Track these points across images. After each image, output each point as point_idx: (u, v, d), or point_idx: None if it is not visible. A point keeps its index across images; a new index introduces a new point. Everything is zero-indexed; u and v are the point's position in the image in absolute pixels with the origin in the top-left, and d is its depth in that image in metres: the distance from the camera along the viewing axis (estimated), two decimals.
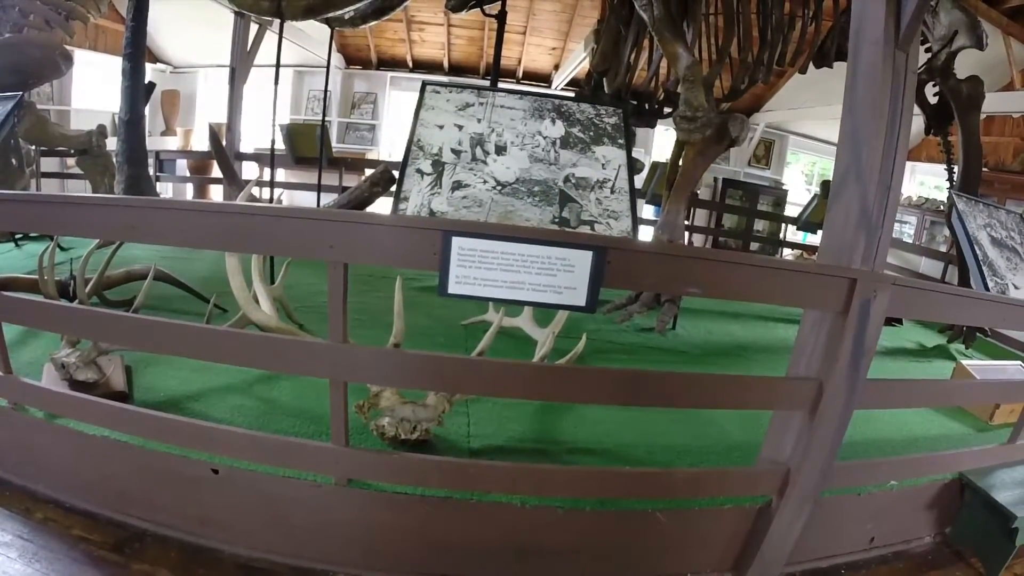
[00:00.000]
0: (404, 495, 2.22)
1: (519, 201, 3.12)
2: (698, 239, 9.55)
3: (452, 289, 1.94)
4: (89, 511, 2.39)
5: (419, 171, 3.13)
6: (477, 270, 1.92)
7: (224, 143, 7.18)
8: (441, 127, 3.29)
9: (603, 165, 3.33)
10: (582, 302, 1.97)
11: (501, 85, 4.85)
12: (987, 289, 3.31)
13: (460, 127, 3.32)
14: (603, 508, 2.32)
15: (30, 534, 2.25)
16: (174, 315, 3.63)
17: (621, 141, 3.42)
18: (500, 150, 3.24)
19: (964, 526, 2.88)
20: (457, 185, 3.12)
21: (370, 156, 11.75)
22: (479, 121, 3.34)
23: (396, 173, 3.46)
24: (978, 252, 3.47)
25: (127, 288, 3.66)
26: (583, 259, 1.92)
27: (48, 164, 7.40)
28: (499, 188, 3.15)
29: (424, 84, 3.43)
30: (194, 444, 2.27)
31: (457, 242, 1.89)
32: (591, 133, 3.41)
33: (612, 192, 3.27)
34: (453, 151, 3.21)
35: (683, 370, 3.81)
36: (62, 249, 4.78)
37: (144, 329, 2.24)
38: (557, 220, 3.13)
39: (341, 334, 2.02)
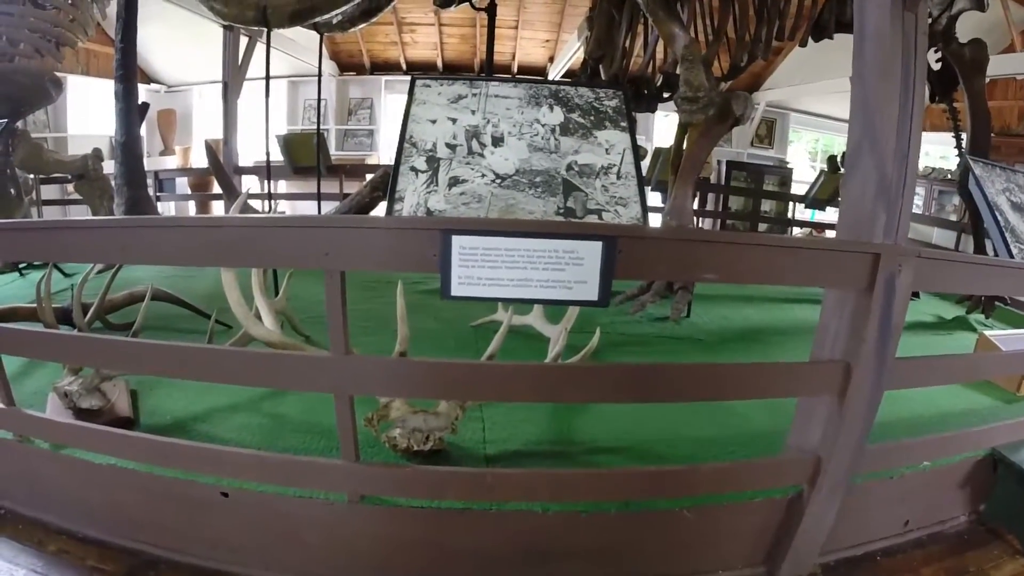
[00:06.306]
0: (420, 509, 2.14)
1: (520, 193, 3.01)
2: (706, 223, 9.50)
3: (455, 291, 1.85)
4: (101, 540, 2.34)
5: (413, 169, 3.03)
6: (481, 269, 1.83)
7: (221, 158, 7.16)
8: (434, 121, 3.18)
9: (607, 150, 3.22)
10: (594, 296, 1.88)
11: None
12: (1011, 256, 3.21)
13: (454, 120, 3.20)
14: (627, 509, 2.23)
15: (44, 567, 2.21)
16: (178, 335, 3.59)
17: (624, 124, 3.31)
18: (497, 141, 3.13)
19: (999, 502, 2.79)
20: (454, 181, 3.02)
21: (370, 161, 11.80)
22: (473, 113, 3.23)
23: None
24: (999, 218, 3.36)
25: (131, 311, 3.61)
26: (592, 250, 1.82)
27: (49, 192, 7.41)
28: (498, 181, 3.04)
29: (413, 79, 3.33)
30: (201, 467, 2.20)
31: (458, 241, 1.80)
32: (592, 117, 3.29)
33: (618, 178, 3.16)
34: (448, 146, 3.10)
35: (701, 358, 3.73)
36: (65, 275, 4.77)
37: (142, 354, 2.18)
38: (562, 211, 3.02)
39: (343, 345, 1.94)
